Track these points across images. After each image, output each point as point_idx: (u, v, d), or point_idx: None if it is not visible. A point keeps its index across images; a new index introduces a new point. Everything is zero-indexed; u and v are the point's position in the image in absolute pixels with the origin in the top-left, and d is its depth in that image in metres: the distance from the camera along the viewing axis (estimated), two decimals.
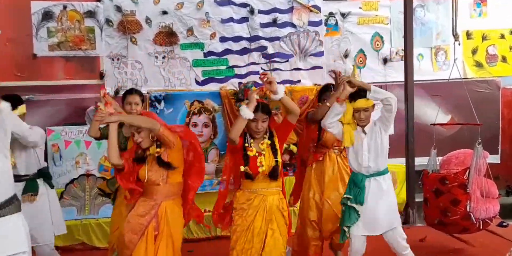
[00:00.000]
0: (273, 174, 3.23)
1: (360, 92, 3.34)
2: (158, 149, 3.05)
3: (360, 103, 3.33)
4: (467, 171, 4.19)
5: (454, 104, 5.62)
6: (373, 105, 3.43)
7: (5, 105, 2.91)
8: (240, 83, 5.55)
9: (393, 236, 3.42)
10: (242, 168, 3.18)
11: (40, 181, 3.76)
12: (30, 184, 3.67)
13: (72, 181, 5.00)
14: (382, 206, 3.40)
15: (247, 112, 3.11)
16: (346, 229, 3.43)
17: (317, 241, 4.04)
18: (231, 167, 3.34)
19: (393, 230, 3.43)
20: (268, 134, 3.28)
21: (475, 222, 4.16)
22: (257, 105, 3.17)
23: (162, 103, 5.22)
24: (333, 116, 3.38)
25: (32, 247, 3.33)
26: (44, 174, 3.83)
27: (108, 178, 4.93)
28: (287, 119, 3.31)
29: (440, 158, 4.65)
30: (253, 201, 3.22)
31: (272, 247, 3.20)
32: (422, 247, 4.48)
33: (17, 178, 3.43)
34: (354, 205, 3.41)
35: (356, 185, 3.42)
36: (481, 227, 4.25)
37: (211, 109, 5.39)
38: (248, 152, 3.19)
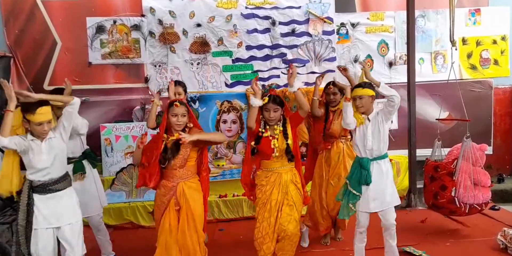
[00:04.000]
0: (287, 154, 3.44)
1: (359, 84, 3.57)
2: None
3: (356, 91, 3.50)
4: (455, 161, 4.32)
5: (451, 103, 5.63)
6: (372, 96, 3.50)
7: (77, 100, 3.17)
8: (263, 85, 5.82)
9: (389, 212, 3.54)
10: (252, 144, 3.42)
11: (85, 162, 3.85)
12: (77, 165, 3.77)
13: (121, 169, 5.25)
14: (386, 184, 3.54)
15: (255, 101, 3.30)
16: (351, 206, 3.56)
17: (326, 219, 4.26)
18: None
19: (391, 208, 3.54)
20: (281, 122, 3.47)
21: (459, 206, 4.26)
22: (269, 97, 3.34)
23: (197, 103, 5.51)
24: (348, 114, 3.50)
25: (85, 217, 3.67)
26: (88, 155, 3.89)
27: None
28: (298, 112, 3.45)
29: (447, 149, 4.70)
30: (270, 178, 3.46)
31: (287, 213, 3.44)
32: (423, 228, 4.74)
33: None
34: (352, 189, 3.54)
35: (363, 167, 3.53)
36: (468, 211, 4.30)
37: (239, 108, 5.69)
38: (263, 134, 3.41)
